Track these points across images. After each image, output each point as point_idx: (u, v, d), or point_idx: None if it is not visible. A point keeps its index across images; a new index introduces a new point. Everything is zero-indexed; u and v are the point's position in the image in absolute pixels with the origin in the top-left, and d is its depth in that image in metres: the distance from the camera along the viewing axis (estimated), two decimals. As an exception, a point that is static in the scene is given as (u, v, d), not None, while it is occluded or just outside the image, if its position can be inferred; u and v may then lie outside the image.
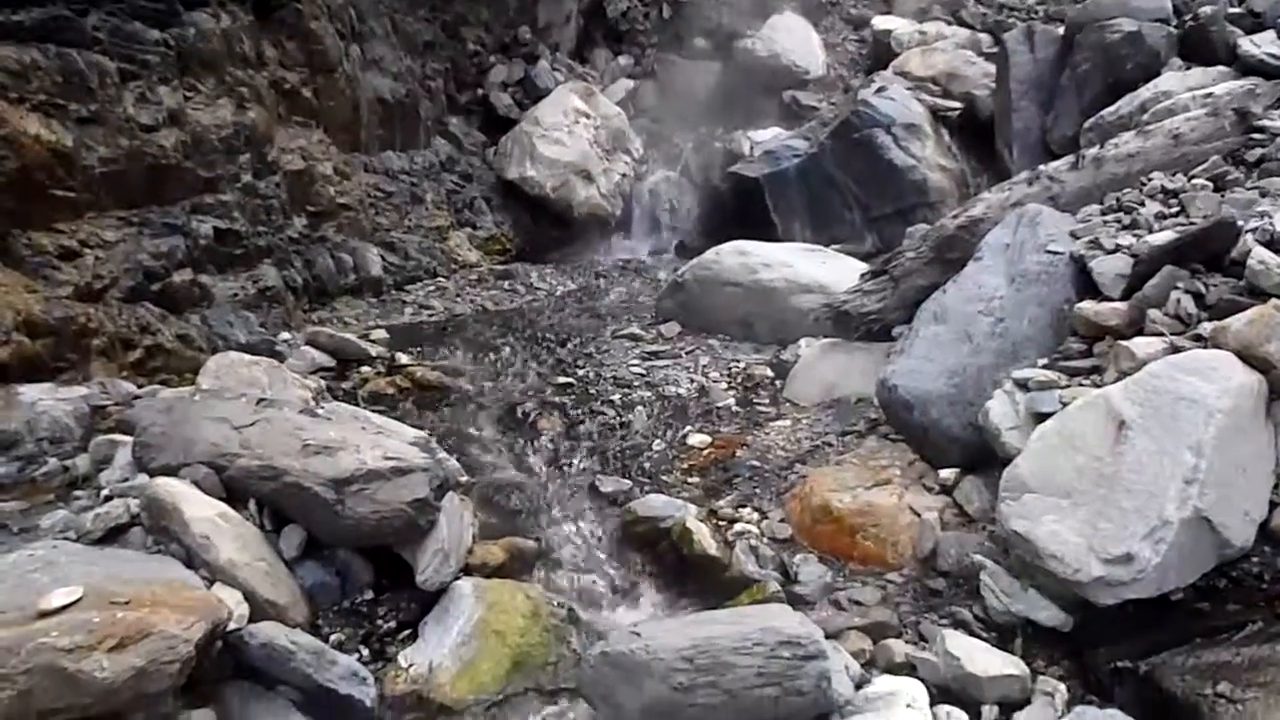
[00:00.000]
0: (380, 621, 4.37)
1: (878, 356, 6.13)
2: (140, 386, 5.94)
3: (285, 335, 7.34)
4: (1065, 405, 4.49)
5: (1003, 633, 4.18)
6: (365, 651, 4.21)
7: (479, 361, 7.29)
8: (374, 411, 5.80)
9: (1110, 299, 4.98)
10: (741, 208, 11.22)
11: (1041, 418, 4.53)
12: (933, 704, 3.77)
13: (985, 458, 4.89)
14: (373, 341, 7.44)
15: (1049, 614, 4.12)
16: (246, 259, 7.66)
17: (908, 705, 3.73)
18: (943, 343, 5.46)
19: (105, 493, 4.61)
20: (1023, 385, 4.80)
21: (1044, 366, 4.93)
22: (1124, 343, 4.61)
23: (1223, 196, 5.36)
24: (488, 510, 5.19)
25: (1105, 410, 4.20)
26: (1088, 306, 5.00)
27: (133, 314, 6.44)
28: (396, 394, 6.61)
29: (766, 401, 6.58)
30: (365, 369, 6.94)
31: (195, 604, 3.66)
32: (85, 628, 3.40)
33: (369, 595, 4.48)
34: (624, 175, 12.18)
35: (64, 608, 3.47)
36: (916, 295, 6.10)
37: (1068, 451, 4.21)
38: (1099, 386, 4.51)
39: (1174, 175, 5.81)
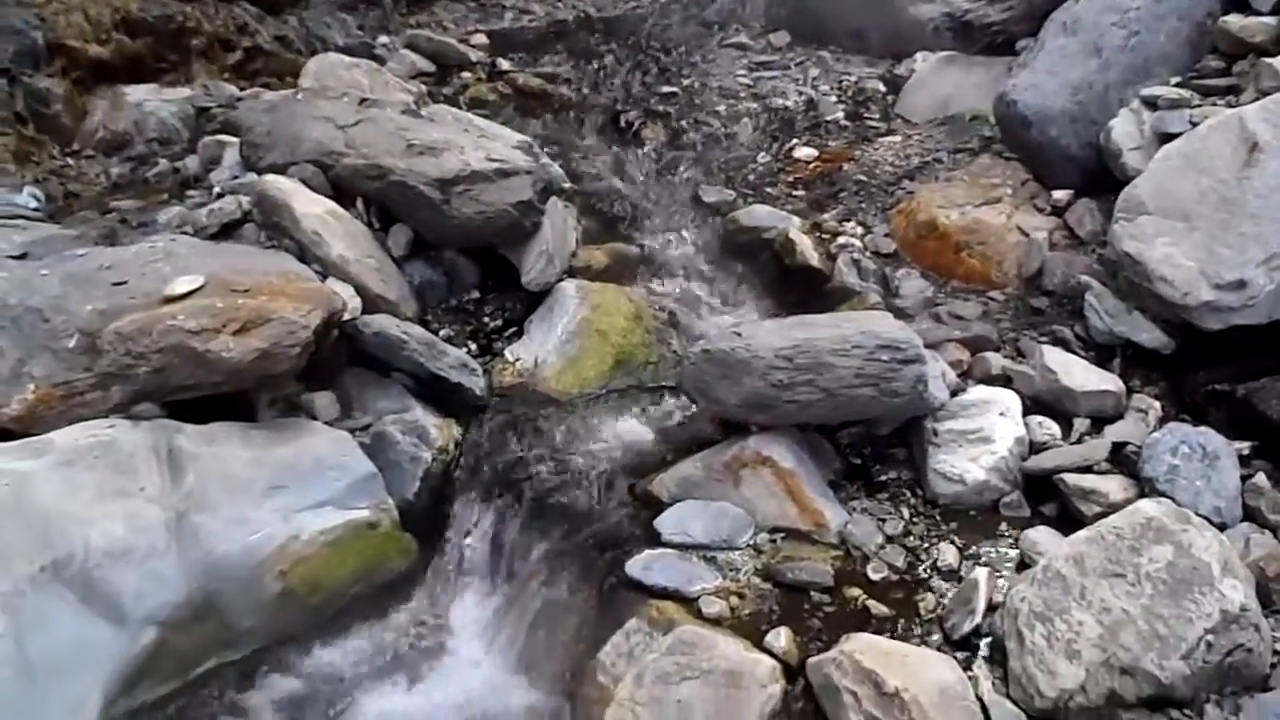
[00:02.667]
0: (486, 320, 4.50)
1: (998, 71, 5.81)
2: (241, 89, 5.93)
3: (383, 39, 7.18)
4: (1194, 126, 4.24)
5: (1102, 352, 4.13)
6: (473, 347, 4.37)
7: (581, 69, 7.08)
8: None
9: (1259, 13, 4.61)
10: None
11: (1167, 138, 4.30)
12: (1025, 414, 3.78)
13: (1102, 179, 4.68)
14: (473, 46, 7.25)
15: (1150, 336, 4.04)
16: (342, -40, 7.42)
17: (1001, 413, 3.75)
18: (1069, 56, 5.12)
19: (216, 190, 4.72)
20: (1151, 104, 4.55)
21: (1176, 85, 4.66)
22: (1268, 60, 4.29)
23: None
24: (590, 217, 5.19)
25: (1238, 131, 3.95)
26: (1233, 20, 4.65)
27: (230, 13, 6.35)
28: (498, 100, 6.50)
29: (877, 117, 6.33)
30: (465, 74, 6.80)
31: (311, 294, 3.78)
32: (209, 312, 3.55)
33: (475, 295, 4.60)
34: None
35: (188, 294, 3.62)
36: (1046, 5, 5.67)
37: (1191, 173, 4.00)
38: (1233, 107, 4.23)
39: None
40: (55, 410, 3.52)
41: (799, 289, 4.95)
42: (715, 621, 3.18)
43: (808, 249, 4.98)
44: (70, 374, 3.53)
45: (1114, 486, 3.41)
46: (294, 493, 3.56)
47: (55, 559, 3.32)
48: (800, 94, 6.66)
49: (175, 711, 3.29)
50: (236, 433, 3.63)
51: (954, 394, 3.85)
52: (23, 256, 3.97)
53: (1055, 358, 3.97)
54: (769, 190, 5.65)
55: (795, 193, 5.63)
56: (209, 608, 3.39)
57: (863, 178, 5.61)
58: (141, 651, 3.31)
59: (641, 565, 3.41)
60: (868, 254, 5.03)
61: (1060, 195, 4.93)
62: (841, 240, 5.11)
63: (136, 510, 3.43)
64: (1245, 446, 3.51)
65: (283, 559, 3.46)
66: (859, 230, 5.21)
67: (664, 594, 3.29)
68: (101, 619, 3.30)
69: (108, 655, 3.28)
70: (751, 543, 3.52)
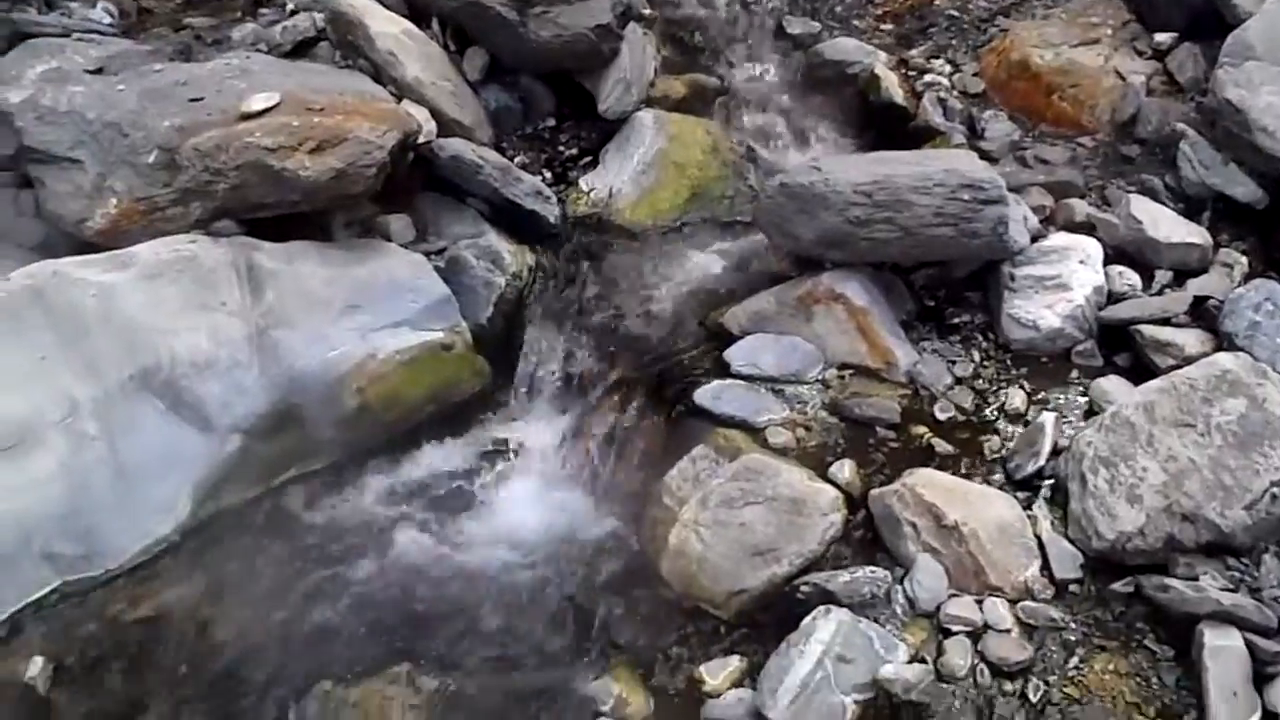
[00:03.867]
0: (562, 148, 4.46)
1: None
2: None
3: None
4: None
5: (1191, 204, 3.98)
6: (547, 175, 4.34)
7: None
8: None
9: None
10: None
11: (1285, -21, 4.04)
12: (1106, 263, 3.69)
13: (1210, 22, 4.41)
14: None
15: (1245, 190, 3.86)
16: None
17: (1081, 261, 3.66)
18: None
19: (290, 7, 4.65)
20: (1270, -62, 4.23)
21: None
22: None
23: None
24: (670, 46, 5.04)
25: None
26: None
27: None
28: (577, -80, 6.26)
29: (973, -54, 6.00)
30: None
31: (386, 114, 3.77)
32: (285, 130, 3.56)
33: (551, 123, 4.55)
34: None
35: (264, 111, 3.63)
36: None
37: (1309, 20, 3.78)
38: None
39: None
40: (138, 225, 3.60)
41: (881, 127, 4.82)
42: (781, 451, 3.23)
43: (893, 85, 4.82)
44: (151, 189, 3.59)
45: (1191, 340, 3.34)
46: (370, 313, 3.63)
47: (143, 368, 3.45)
48: (892, -79, 6.32)
49: (259, 517, 3.45)
50: (314, 252, 3.69)
51: (1034, 239, 3.77)
52: (99, 71, 3.97)
53: (1142, 207, 3.84)
54: (855, 23, 5.43)
55: (883, 27, 5.42)
56: (289, 419, 3.51)
57: (954, 13, 5.37)
58: (226, 458, 3.46)
59: (710, 395, 3.45)
60: (954, 93, 4.86)
61: (1163, 38, 4.67)
62: (928, 78, 4.94)
63: (219, 324, 3.53)
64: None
65: (360, 376, 3.55)
66: (947, 68, 5.02)
67: (731, 423, 3.34)
68: (189, 426, 3.44)
69: (195, 461, 3.43)
70: (820, 378, 3.54)
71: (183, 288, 3.55)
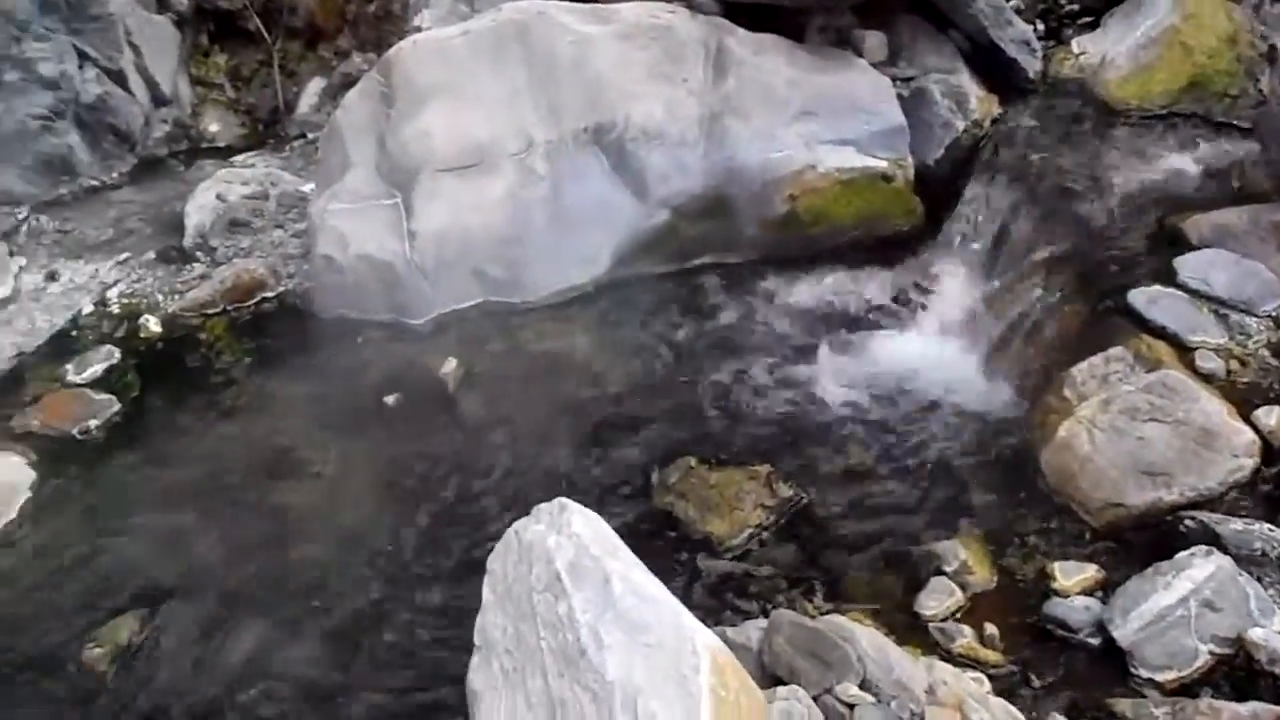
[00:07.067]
0: (1063, 1, 4.09)
1: None
2: None
3: None
4: None
5: None
6: (1040, 26, 4.00)
7: None
8: None
9: None
10: None
11: None
12: None
13: None
14: None
15: None
16: None
17: None
18: None
19: None
20: None
21: None
22: None
23: None
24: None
25: None
26: None
27: None
28: None
29: None
30: None
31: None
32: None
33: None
34: None
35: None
36: None
37: None
38: None
39: None
40: (627, -18, 3.66)
41: None
42: (1205, 377, 2.89)
43: None
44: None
45: None
46: (822, 123, 3.55)
47: (598, 124, 3.57)
48: None
49: (668, 291, 3.55)
50: (783, 49, 3.63)
51: None
52: None
53: None
54: None
55: None
56: (718, 208, 3.55)
57: None
58: (652, 228, 3.56)
59: (1146, 299, 3.13)
60: None
61: None
62: None
63: (677, 98, 3.58)
64: None
65: (795, 184, 3.51)
66: None
67: (1160, 333, 3.02)
68: (626, 190, 3.55)
69: (624, 223, 3.55)
70: (1274, 313, 3.12)
71: (652, 55, 3.61)
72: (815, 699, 2.00)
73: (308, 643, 2.50)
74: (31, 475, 3.07)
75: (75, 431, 3.25)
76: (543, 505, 1.77)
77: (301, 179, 4.45)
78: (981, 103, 3.74)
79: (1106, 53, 3.89)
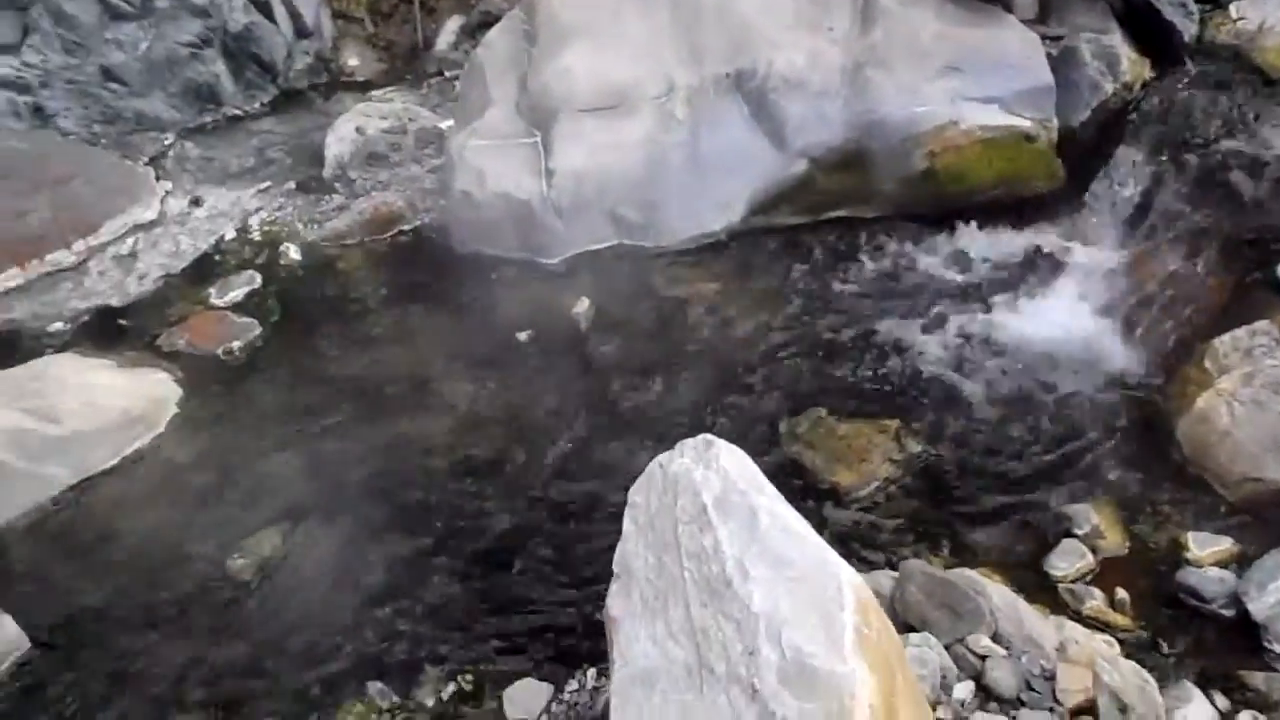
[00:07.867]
0: (1223, -37, 3.94)
1: None
2: None
3: None
4: None
5: None
6: (1199, -13, 3.87)
7: None
8: None
9: None
10: None
11: None
12: None
13: None
14: None
15: None
16: None
17: None
18: None
19: None
20: None
21: None
22: None
23: None
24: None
25: None
26: None
27: None
28: None
29: None
30: None
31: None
32: None
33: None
34: None
35: None
36: None
37: None
38: None
39: None
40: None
41: None
42: (1354, 356, 2.82)
43: None
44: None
45: None
46: (967, 79, 3.49)
47: (740, 70, 3.56)
48: None
49: (802, 242, 3.55)
50: (933, 2, 3.57)
51: None
52: None
53: None
54: None
55: None
56: (856, 160, 3.52)
57: None
58: (789, 178, 3.55)
59: (1295, 273, 3.06)
60: None
61: None
62: None
63: (821, 48, 3.55)
64: None
65: (936, 140, 3.46)
66: None
67: (1308, 309, 2.96)
68: (764, 139, 3.55)
69: (761, 172, 3.55)
70: None
71: (798, 2, 3.59)
72: (946, 648, 2.03)
73: (441, 566, 2.60)
74: (178, 392, 3.24)
75: (219, 351, 3.40)
76: (687, 440, 1.78)
77: (439, 115, 4.54)
78: (1133, 65, 3.63)
79: (1265, 19, 3.74)
